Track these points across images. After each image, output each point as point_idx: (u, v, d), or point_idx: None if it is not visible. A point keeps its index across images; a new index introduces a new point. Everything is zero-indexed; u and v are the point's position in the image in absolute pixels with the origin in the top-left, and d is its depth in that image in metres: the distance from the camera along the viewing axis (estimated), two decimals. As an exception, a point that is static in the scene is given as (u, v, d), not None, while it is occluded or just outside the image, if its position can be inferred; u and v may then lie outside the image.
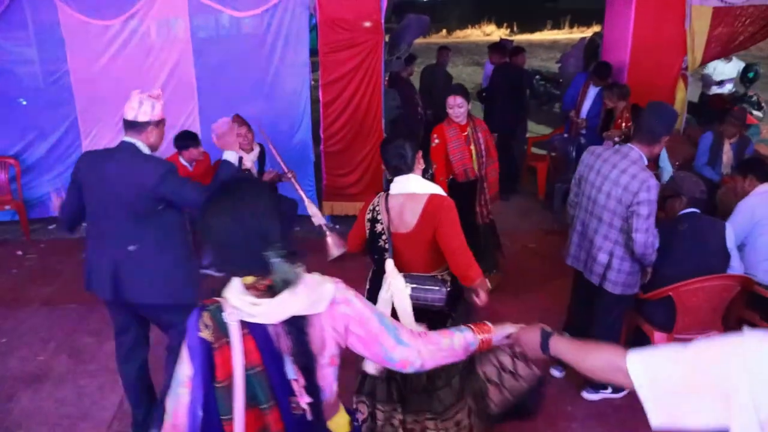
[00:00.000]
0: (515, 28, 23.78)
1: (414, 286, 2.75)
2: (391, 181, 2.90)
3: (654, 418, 1.37)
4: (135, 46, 5.83)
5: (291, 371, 1.58)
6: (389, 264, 2.75)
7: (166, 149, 4.31)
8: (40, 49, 5.86)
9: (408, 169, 2.82)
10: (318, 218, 3.18)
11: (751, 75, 9.01)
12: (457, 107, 4.42)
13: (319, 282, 1.64)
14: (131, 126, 2.96)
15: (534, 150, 7.93)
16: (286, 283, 1.56)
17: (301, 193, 3.62)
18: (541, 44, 20.28)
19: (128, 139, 2.97)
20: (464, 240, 2.76)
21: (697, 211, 3.65)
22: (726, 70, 8.75)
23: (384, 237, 2.80)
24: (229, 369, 1.55)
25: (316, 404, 1.61)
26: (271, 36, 5.88)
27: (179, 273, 3.02)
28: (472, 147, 4.57)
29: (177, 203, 2.98)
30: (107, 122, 6.02)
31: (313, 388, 1.61)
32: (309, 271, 1.67)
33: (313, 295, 1.60)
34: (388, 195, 2.85)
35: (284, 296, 1.56)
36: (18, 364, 4.02)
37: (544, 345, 1.79)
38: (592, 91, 6.56)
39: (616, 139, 5.73)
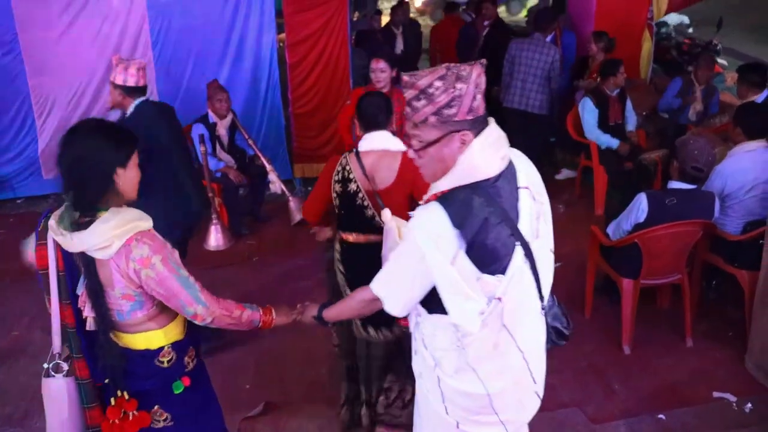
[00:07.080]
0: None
1: None
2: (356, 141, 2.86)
3: (394, 310, 1.84)
4: (89, 13, 5.53)
5: (79, 286, 1.96)
6: (387, 213, 2.59)
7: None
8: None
9: (383, 125, 2.84)
10: (276, 185, 3.19)
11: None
12: (379, 71, 4.22)
13: (112, 235, 1.87)
14: None
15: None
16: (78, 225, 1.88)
17: (264, 161, 3.65)
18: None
19: None
20: None
21: (691, 187, 3.54)
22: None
23: (361, 194, 2.78)
24: (43, 263, 2.02)
25: (99, 319, 1.96)
26: (234, -4, 5.73)
27: None
28: None
29: None
30: (61, 100, 5.71)
31: (98, 306, 1.95)
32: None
33: (96, 242, 1.87)
34: (357, 153, 2.82)
35: (72, 235, 1.88)
36: (-7, 340, 4.00)
37: (319, 317, 2.19)
38: (566, 40, 6.55)
39: (585, 89, 5.81)
